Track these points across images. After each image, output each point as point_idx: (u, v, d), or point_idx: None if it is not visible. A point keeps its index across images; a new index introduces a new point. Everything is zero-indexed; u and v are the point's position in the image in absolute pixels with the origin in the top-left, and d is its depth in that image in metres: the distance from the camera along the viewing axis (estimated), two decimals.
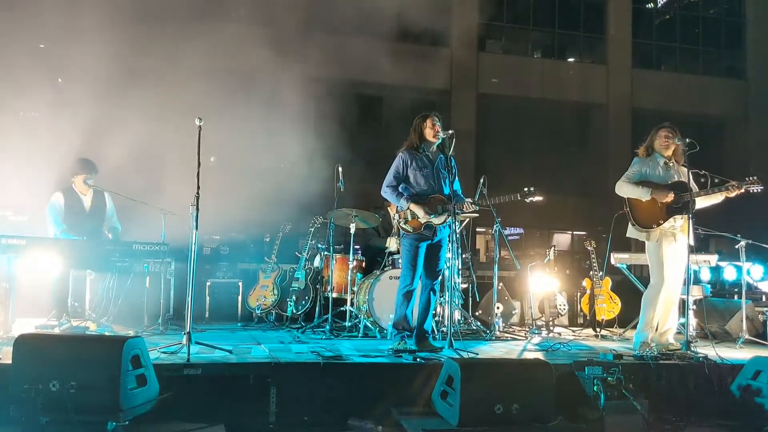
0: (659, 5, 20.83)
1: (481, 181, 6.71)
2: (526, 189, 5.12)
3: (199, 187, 4.66)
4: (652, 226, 5.29)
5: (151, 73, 8.70)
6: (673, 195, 5.20)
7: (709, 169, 5.32)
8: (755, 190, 5.14)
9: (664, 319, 5.36)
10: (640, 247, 5.85)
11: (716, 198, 5.27)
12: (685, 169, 5.34)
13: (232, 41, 10.53)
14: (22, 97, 7.77)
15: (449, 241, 5.45)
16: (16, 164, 7.28)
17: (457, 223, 5.65)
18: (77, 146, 6.90)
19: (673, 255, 5.29)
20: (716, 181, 5.24)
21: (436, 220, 5.17)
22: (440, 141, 5.30)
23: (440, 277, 5.43)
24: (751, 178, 5.13)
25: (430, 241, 5.22)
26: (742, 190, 5.15)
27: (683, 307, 5.58)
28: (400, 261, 5.76)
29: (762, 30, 19.78)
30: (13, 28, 7.73)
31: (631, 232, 5.49)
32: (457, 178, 5.35)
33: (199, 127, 4.76)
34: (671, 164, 5.42)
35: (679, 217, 5.23)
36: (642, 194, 5.29)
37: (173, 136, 7.22)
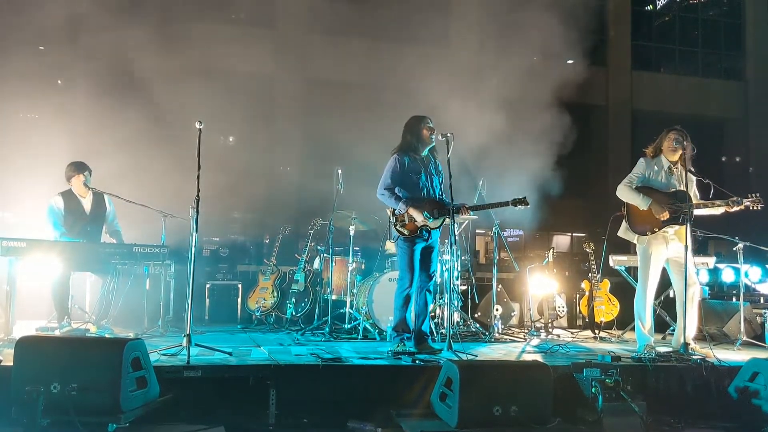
0: (658, 7, 20.84)
1: (480, 183, 6.75)
2: (516, 198, 5.21)
3: (199, 190, 4.69)
4: (646, 233, 5.34)
5: (151, 75, 8.72)
6: (668, 214, 5.23)
7: (709, 170, 5.35)
8: (756, 208, 5.16)
9: (678, 322, 5.38)
10: None
11: (716, 210, 5.30)
12: (689, 176, 5.35)
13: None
14: (21, 99, 7.78)
15: (446, 243, 5.48)
16: (16, 166, 7.30)
17: (456, 225, 5.67)
18: (77, 148, 6.92)
19: (659, 259, 5.34)
20: (719, 191, 5.26)
21: (432, 224, 5.20)
22: (434, 143, 5.34)
23: (434, 279, 5.45)
24: (753, 196, 5.15)
25: (425, 243, 5.25)
26: (743, 207, 5.17)
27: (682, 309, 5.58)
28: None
29: (761, 32, 19.79)
30: (13, 29, 7.75)
31: (623, 232, 5.53)
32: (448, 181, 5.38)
33: (200, 130, 4.78)
34: (675, 169, 5.43)
35: (675, 224, 5.27)
36: (641, 203, 5.33)
37: (173, 139, 7.25)
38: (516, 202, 5.24)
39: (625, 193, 5.45)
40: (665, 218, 5.23)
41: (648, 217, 5.32)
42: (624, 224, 5.52)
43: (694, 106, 18.99)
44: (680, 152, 5.36)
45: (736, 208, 5.22)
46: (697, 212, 5.28)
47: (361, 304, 6.46)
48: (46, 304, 5.98)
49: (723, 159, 18.80)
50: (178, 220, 6.25)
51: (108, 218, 6.25)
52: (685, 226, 5.16)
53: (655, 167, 5.45)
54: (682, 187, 5.29)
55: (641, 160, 5.53)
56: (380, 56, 10.89)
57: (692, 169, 5.40)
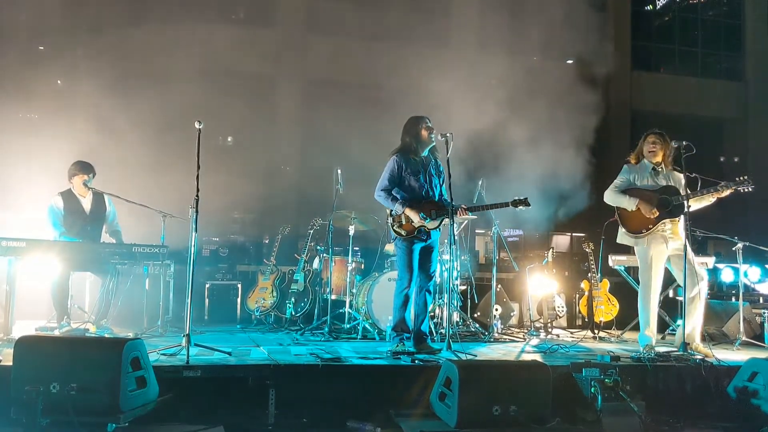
0: (658, 7, 20.85)
1: (480, 183, 6.75)
2: (516, 198, 5.18)
3: (198, 190, 4.69)
4: (641, 232, 5.33)
5: (151, 75, 8.72)
6: (657, 212, 5.22)
7: (708, 170, 5.34)
8: (746, 190, 5.14)
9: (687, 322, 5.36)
10: None
11: (707, 200, 5.29)
12: (676, 174, 5.37)
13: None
14: (21, 99, 7.79)
15: (446, 243, 5.48)
16: (16, 166, 7.30)
17: (455, 225, 5.67)
18: (77, 148, 6.92)
19: (660, 258, 5.33)
20: (706, 182, 5.25)
21: (430, 225, 5.19)
22: (433, 143, 5.33)
23: (434, 279, 5.45)
24: (741, 178, 5.13)
25: (423, 243, 5.25)
26: (732, 190, 5.16)
27: (680, 309, 5.59)
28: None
29: (761, 32, 19.81)
30: (13, 29, 7.75)
31: (621, 238, 5.53)
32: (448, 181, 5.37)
33: (199, 130, 4.78)
34: (660, 169, 5.43)
35: (669, 221, 5.26)
36: (628, 204, 5.34)
37: (173, 139, 7.25)
38: (516, 203, 5.19)
39: (611, 197, 5.47)
40: (655, 215, 5.23)
41: (640, 215, 5.31)
42: (620, 229, 5.51)
43: (694, 106, 19.00)
44: (660, 154, 5.37)
45: (727, 192, 5.19)
46: (692, 207, 5.27)
47: (361, 304, 6.47)
48: (45, 304, 5.99)
49: (722, 159, 18.80)
50: (178, 220, 6.25)
51: (108, 218, 6.25)
52: (680, 223, 5.16)
53: (640, 171, 5.46)
54: (671, 184, 5.31)
55: (624, 166, 5.54)
56: (380, 56, 10.89)
57: (678, 168, 5.39)
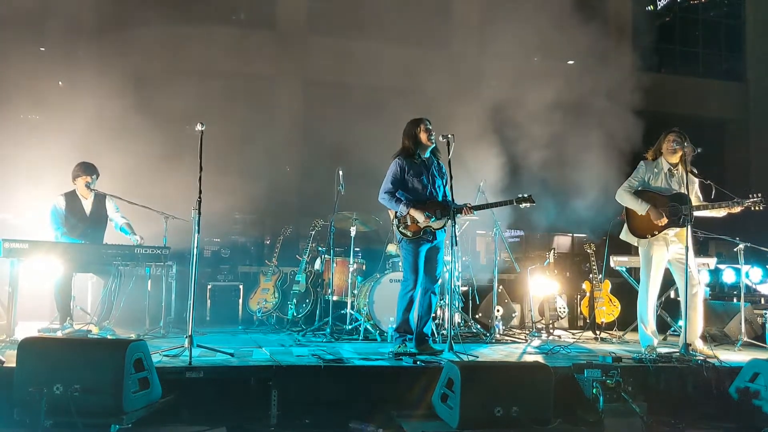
0: (659, 8, 20.85)
1: (481, 184, 6.75)
2: (520, 195, 5.17)
3: (201, 192, 4.70)
4: (646, 236, 5.33)
5: (152, 76, 8.73)
6: (666, 219, 5.21)
7: (710, 171, 5.33)
8: (758, 208, 5.11)
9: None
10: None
11: (717, 212, 5.28)
12: (691, 177, 5.34)
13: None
14: (23, 100, 7.80)
15: (447, 244, 5.47)
16: (17, 167, 7.32)
17: (456, 226, 5.67)
18: (78, 149, 6.94)
19: (661, 259, 5.33)
20: (720, 192, 5.24)
21: (435, 224, 5.20)
22: (434, 144, 5.33)
23: (439, 281, 5.45)
24: (754, 196, 5.12)
25: (430, 244, 5.25)
26: (744, 207, 5.15)
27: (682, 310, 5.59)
28: (400, 264, 5.80)
29: (761, 32, 19.81)
30: (14, 30, 7.77)
31: (625, 236, 5.54)
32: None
33: (201, 132, 4.79)
34: (675, 171, 5.41)
35: (675, 227, 5.26)
36: (639, 209, 5.32)
37: (175, 140, 7.26)
38: (521, 200, 5.17)
39: (624, 198, 5.45)
40: (663, 224, 5.23)
41: (647, 220, 5.31)
42: (625, 227, 5.53)
43: (695, 107, 18.99)
44: (680, 153, 5.33)
45: (738, 209, 5.20)
46: (698, 213, 5.28)
47: (362, 305, 6.47)
48: (48, 305, 6.00)
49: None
50: (180, 221, 6.26)
51: (114, 218, 6.22)
52: (686, 231, 5.16)
53: (655, 170, 5.44)
54: (683, 190, 5.27)
55: (641, 163, 5.52)
56: (382, 57, 10.90)
57: (694, 170, 5.39)
